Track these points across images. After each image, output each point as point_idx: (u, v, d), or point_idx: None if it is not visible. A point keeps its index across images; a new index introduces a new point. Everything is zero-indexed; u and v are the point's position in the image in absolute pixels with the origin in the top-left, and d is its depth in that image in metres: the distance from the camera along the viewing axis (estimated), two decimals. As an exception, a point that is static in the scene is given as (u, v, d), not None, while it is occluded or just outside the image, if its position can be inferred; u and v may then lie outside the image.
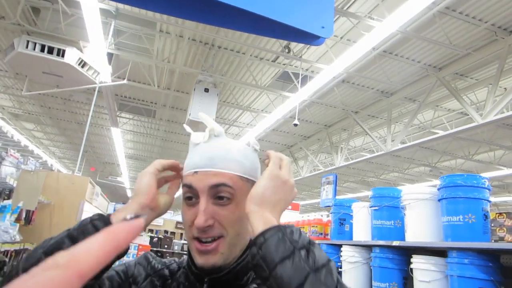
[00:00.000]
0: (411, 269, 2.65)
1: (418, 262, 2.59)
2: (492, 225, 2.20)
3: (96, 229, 0.69)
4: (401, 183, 14.85)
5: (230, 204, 0.77)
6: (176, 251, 10.93)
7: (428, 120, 8.88)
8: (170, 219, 21.98)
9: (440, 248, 2.38)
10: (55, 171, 11.73)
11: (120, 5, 5.79)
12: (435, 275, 2.50)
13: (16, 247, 3.27)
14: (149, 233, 18.74)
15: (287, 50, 6.45)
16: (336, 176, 5.29)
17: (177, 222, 19.11)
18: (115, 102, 9.61)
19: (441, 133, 7.25)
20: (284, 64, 7.31)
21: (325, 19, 1.47)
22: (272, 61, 7.27)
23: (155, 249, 10.56)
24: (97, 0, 5.10)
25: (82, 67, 6.49)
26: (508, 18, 5.39)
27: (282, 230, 0.65)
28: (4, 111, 11.82)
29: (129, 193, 25.28)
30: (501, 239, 2.14)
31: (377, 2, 5.24)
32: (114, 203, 8.61)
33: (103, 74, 6.92)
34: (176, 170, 0.87)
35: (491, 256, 2.27)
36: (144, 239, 9.63)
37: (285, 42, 6.41)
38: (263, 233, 0.65)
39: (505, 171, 10.54)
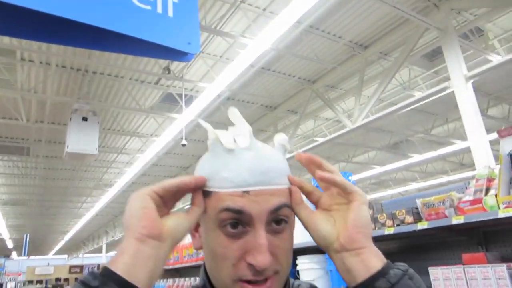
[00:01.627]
0: (298, 271, 2.74)
1: (302, 263, 2.69)
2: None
3: None
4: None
5: (285, 230, 0.61)
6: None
7: (310, 130, 9.59)
8: (63, 265, 19.73)
9: (311, 247, 2.50)
10: None
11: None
12: (318, 273, 2.62)
13: None
14: (37, 284, 16.34)
15: (167, 72, 6.35)
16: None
17: (71, 267, 17.19)
18: (-25, 142, 8.32)
19: (320, 140, 7.87)
20: (167, 86, 7.19)
21: (191, 36, 1.46)
22: (154, 83, 7.09)
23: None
24: None
25: None
26: (361, 35, 6.16)
27: (408, 274, 0.55)
28: None
29: (9, 244, 21.88)
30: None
31: (248, 22, 5.51)
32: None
33: (-48, 111, 5.92)
34: (194, 188, 0.62)
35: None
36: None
37: (165, 64, 6.32)
38: (383, 274, 0.54)
39: (378, 170, 11.91)
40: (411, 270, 0.56)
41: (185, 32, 1.45)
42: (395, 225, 2.39)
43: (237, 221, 0.58)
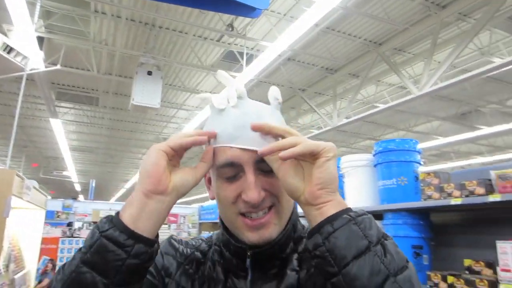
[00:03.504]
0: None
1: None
2: (422, 185, 2.32)
3: (113, 241, 0.58)
4: (350, 158, 15.40)
5: None
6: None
7: (371, 95, 9.22)
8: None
9: (376, 211, 2.49)
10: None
11: (46, -17, 5.35)
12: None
13: None
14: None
15: (230, 29, 6.33)
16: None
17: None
18: (52, 91, 9.01)
19: (382, 106, 7.55)
20: (228, 44, 7.20)
21: (260, -9, 1.44)
22: (216, 40, 7.12)
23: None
24: (18, -23, 4.68)
25: (8, 53, 5.95)
26: (439, -8, 5.65)
27: (355, 220, 0.58)
28: None
29: (77, 187, 24.13)
30: (429, 197, 2.26)
31: (316, -22, 5.25)
32: (62, 199, 8.16)
33: (33, 60, 6.41)
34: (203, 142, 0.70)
35: (421, 215, 2.41)
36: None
37: (228, 20, 6.29)
38: (330, 220, 0.58)
39: (441, 141, 11.25)
40: (361, 218, 0.58)
41: (255, -14, 1.42)
42: (463, 196, 2.30)
43: (233, 173, 0.69)
